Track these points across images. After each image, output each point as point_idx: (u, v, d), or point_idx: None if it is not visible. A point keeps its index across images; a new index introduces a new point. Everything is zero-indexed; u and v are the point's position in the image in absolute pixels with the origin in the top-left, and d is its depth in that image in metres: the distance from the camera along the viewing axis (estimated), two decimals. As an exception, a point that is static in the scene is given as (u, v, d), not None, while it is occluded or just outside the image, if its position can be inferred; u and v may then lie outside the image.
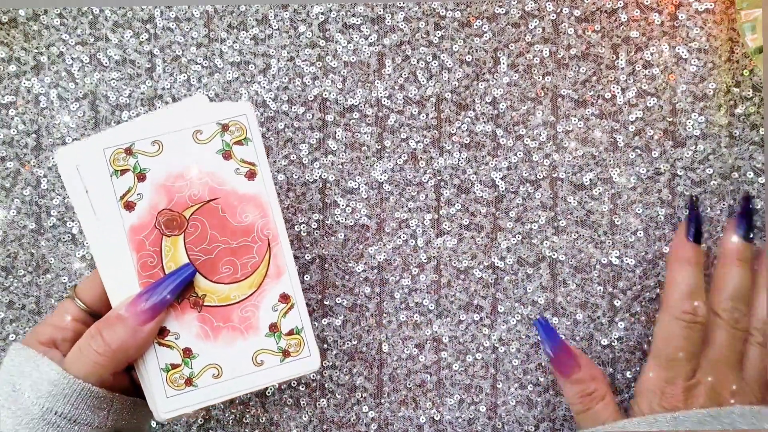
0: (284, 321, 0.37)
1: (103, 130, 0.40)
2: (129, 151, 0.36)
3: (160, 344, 0.36)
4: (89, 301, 0.38)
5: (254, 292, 0.37)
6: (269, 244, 0.37)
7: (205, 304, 0.37)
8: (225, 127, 0.38)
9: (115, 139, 0.36)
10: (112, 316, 0.35)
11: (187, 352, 0.36)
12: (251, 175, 0.37)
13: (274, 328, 0.37)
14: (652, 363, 0.42)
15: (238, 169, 0.38)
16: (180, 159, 0.37)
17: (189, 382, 0.36)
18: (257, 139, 0.38)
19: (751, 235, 0.44)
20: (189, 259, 0.36)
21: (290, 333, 0.37)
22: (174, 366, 0.36)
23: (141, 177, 0.36)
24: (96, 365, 0.35)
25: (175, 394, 0.36)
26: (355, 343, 0.49)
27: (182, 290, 0.36)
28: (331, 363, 0.49)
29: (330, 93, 0.49)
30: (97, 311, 0.38)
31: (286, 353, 0.37)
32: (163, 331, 0.36)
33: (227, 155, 0.38)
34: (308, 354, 0.38)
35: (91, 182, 0.36)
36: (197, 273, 0.36)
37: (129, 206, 0.36)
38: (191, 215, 0.37)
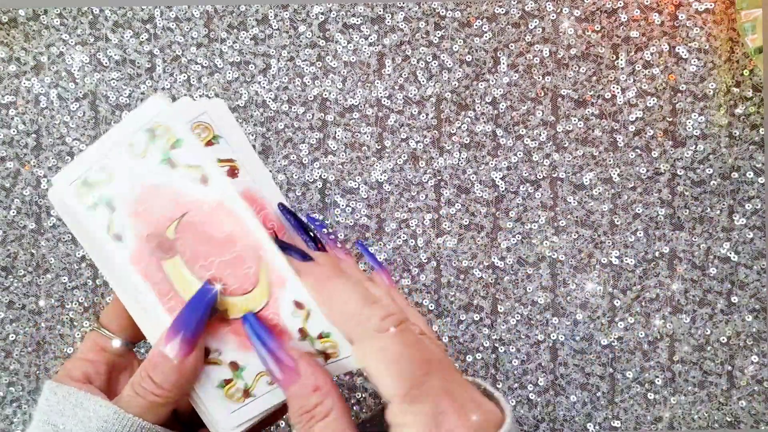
0: (309, 326, 0.34)
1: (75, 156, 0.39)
2: (87, 183, 0.34)
3: (207, 363, 0.34)
4: (116, 330, 0.37)
5: (268, 301, 0.34)
6: (258, 253, 0.34)
7: (231, 317, 0.35)
8: (151, 133, 0.34)
9: (74, 173, 0.34)
10: (154, 356, 0.33)
11: (234, 366, 0.35)
12: (204, 180, 0.34)
13: (303, 332, 0.35)
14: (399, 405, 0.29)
15: (188, 175, 0.34)
16: (132, 180, 0.34)
17: (247, 393, 0.35)
18: (189, 139, 0.34)
19: (316, 240, 0.36)
20: (195, 277, 0.34)
21: (320, 337, 0.35)
22: (227, 381, 0.35)
23: (110, 207, 0.34)
24: (153, 404, 0.33)
25: (237, 408, 0.35)
26: (355, 343, 0.49)
27: (210, 312, 0.34)
28: (331, 363, 0.49)
29: (330, 93, 0.49)
30: (126, 338, 0.37)
31: (326, 356, 0.35)
32: (206, 352, 0.35)
33: (171, 164, 0.34)
34: (348, 354, 0.35)
35: (78, 218, 0.34)
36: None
37: (117, 237, 0.34)
38: (174, 234, 0.34)
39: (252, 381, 0.35)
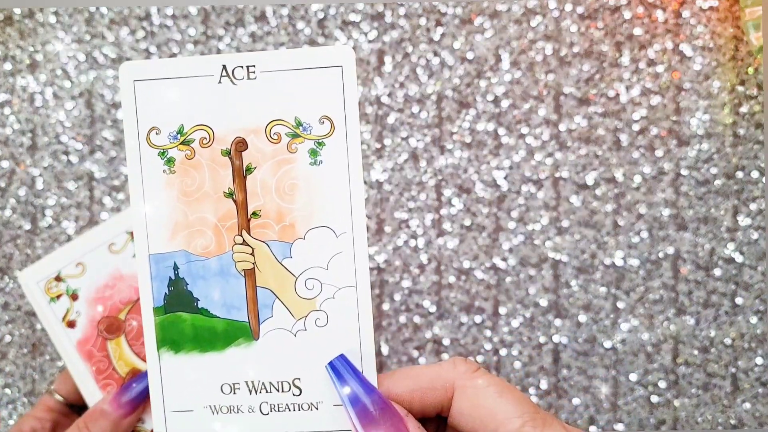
0: None
1: (37, 261, 0.44)
2: (58, 278, 0.39)
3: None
4: (65, 394, 0.42)
5: None
6: None
7: None
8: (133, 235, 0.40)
9: (43, 272, 0.40)
10: (96, 410, 0.38)
11: None
12: None
13: None
14: None
15: None
16: (103, 272, 0.40)
17: None
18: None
19: None
20: (134, 353, 0.40)
21: None
22: None
23: (74, 297, 0.40)
24: None
25: None
26: (355, 344, 0.49)
27: None
28: (330, 365, 0.49)
29: (329, 91, 0.49)
30: (73, 402, 0.42)
31: None
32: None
33: None
34: None
35: (41, 308, 0.40)
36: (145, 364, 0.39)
37: (71, 324, 0.40)
38: (126, 316, 0.40)
39: None
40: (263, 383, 0.29)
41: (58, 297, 0.40)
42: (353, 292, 0.28)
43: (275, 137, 0.28)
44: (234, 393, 0.29)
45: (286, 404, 0.29)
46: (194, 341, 0.30)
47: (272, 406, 0.29)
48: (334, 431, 0.29)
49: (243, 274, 0.29)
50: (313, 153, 0.28)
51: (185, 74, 0.28)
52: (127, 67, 0.29)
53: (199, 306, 0.29)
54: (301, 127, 0.28)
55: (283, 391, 0.29)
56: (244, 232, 0.29)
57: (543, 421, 0.26)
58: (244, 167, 0.29)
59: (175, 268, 0.29)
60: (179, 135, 0.29)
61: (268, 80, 0.28)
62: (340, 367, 0.28)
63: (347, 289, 0.28)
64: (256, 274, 0.29)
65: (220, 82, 0.28)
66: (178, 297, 0.30)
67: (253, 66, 0.28)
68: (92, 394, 0.40)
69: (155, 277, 0.30)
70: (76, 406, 0.42)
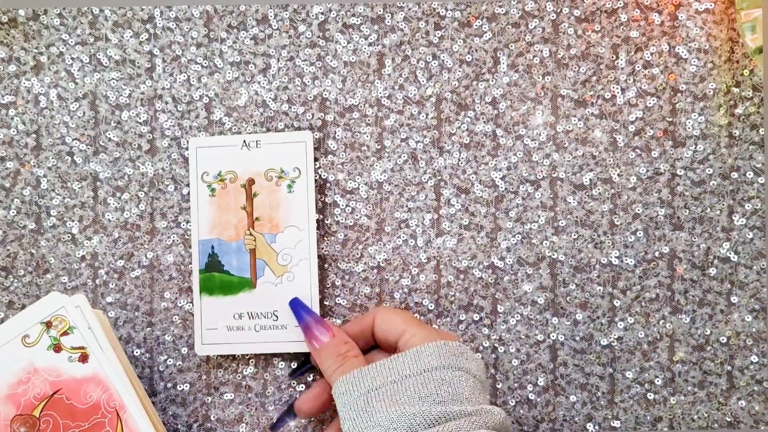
0: None
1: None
2: None
3: None
4: None
5: None
6: (118, 414, 0.41)
7: None
8: (48, 324, 0.42)
9: None
10: None
11: None
12: (84, 358, 0.42)
13: None
14: None
15: (70, 357, 0.42)
16: (15, 367, 0.41)
17: None
18: (81, 324, 0.42)
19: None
20: None
21: None
22: None
23: None
24: None
25: None
26: (355, 343, 0.49)
27: None
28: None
29: (330, 93, 0.49)
30: None
31: None
32: None
33: (57, 348, 0.42)
34: None
35: None
36: None
37: None
38: (41, 413, 0.41)
39: None
40: (257, 313, 0.47)
41: None
42: (308, 263, 0.47)
43: (269, 178, 0.47)
44: (240, 318, 0.47)
45: (270, 325, 0.47)
46: (220, 289, 0.47)
47: (261, 326, 0.47)
48: (296, 341, 0.46)
49: (249, 251, 0.47)
50: (289, 186, 0.47)
51: (223, 144, 0.48)
52: (194, 140, 0.48)
53: (224, 269, 0.47)
54: (283, 173, 0.47)
55: (267, 318, 0.47)
56: (251, 229, 0.47)
57: (419, 324, 0.43)
58: (252, 193, 0.47)
59: (212, 248, 0.47)
60: (218, 176, 0.48)
61: (268, 148, 0.47)
62: (296, 304, 0.46)
63: (305, 260, 0.47)
64: (256, 252, 0.47)
65: (241, 148, 0.47)
66: (212, 264, 0.47)
67: (260, 140, 0.47)
68: None
69: (201, 253, 0.47)
70: None
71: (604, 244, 0.48)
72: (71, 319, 0.42)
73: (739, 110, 0.48)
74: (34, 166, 0.49)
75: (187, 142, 0.49)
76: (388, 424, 0.37)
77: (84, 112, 0.49)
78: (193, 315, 0.48)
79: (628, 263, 0.48)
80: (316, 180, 0.49)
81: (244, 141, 0.47)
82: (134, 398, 0.41)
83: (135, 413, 0.41)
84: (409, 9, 0.49)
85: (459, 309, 0.49)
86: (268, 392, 0.49)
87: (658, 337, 0.48)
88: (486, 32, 0.48)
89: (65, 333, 0.42)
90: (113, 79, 0.49)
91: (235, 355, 0.48)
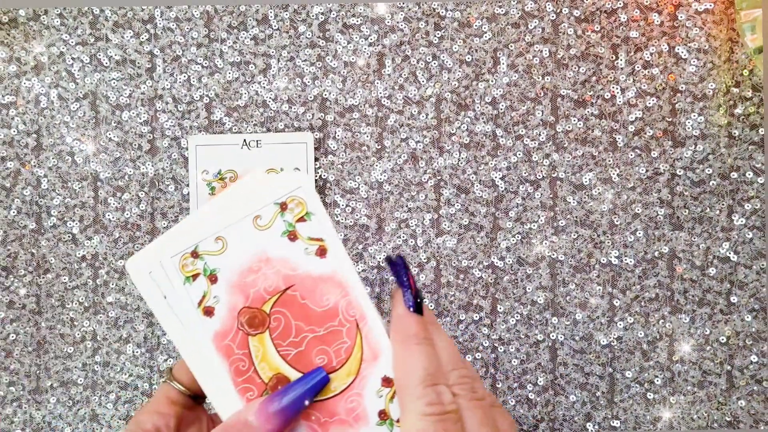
0: (392, 406, 0.34)
1: (164, 232, 0.39)
2: (195, 254, 0.34)
3: None
4: (188, 383, 0.36)
5: (354, 379, 0.34)
6: (357, 325, 0.34)
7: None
8: (283, 206, 0.35)
9: (180, 245, 0.34)
10: (240, 423, 0.32)
11: None
12: (322, 252, 0.34)
13: (383, 415, 0.34)
14: None
15: (307, 248, 0.35)
16: (246, 251, 0.34)
17: None
18: (320, 211, 0.35)
19: (420, 301, 0.35)
20: (279, 355, 0.34)
21: (398, 421, 0.34)
22: None
23: (213, 279, 0.34)
24: None
25: None
26: (355, 342, 0.49)
27: (315, 397, 0.33)
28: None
29: (330, 93, 0.49)
30: (196, 392, 0.37)
31: None
32: None
33: (292, 236, 0.35)
34: None
35: (166, 291, 0.34)
36: (293, 369, 0.34)
37: (208, 312, 0.34)
38: (271, 308, 0.34)
39: None
40: None
41: (194, 277, 0.34)
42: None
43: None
44: None
45: None
46: None
47: None
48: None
49: None
50: None
51: (223, 143, 0.48)
52: (193, 138, 0.48)
53: None
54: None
55: None
56: None
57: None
58: None
59: None
60: (218, 174, 0.48)
61: (268, 148, 0.48)
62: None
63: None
64: None
65: (242, 148, 0.48)
66: None
67: (260, 140, 0.48)
68: (227, 398, 0.33)
69: None
70: (201, 399, 0.37)
71: (604, 243, 0.48)
72: (309, 203, 0.35)
73: (738, 110, 0.48)
74: (35, 166, 0.49)
75: (187, 141, 0.49)
76: None
77: (84, 112, 0.49)
78: None
79: (627, 263, 0.48)
80: (316, 180, 0.49)
81: (245, 140, 0.47)
82: (374, 311, 0.34)
83: (376, 328, 0.34)
84: (409, 9, 0.49)
85: (459, 309, 0.49)
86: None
87: (658, 337, 0.48)
88: (486, 32, 0.49)
89: (302, 219, 0.35)
90: (114, 79, 0.49)
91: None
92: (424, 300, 0.39)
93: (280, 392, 0.32)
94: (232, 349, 0.34)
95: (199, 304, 0.34)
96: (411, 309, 0.34)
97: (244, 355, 0.34)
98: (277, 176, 0.35)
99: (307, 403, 0.32)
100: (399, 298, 0.34)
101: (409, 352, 0.33)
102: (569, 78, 0.48)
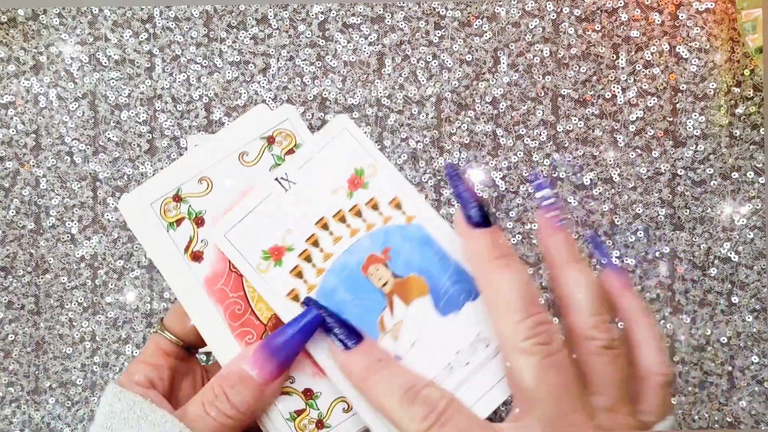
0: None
1: (147, 179, 0.37)
2: (177, 198, 0.32)
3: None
4: (180, 333, 0.35)
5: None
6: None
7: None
8: (270, 140, 0.33)
9: (159, 189, 0.32)
10: (234, 374, 0.31)
11: (308, 394, 0.32)
12: None
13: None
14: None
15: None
16: (233, 190, 0.32)
17: (320, 424, 0.32)
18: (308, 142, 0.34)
19: (487, 213, 0.32)
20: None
21: None
22: (299, 412, 0.32)
23: (199, 221, 0.32)
24: (223, 426, 0.31)
25: None
26: (355, 343, 0.49)
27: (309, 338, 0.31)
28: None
29: (330, 93, 0.49)
30: (189, 343, 0.35)
31: None
32: None
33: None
34: None
35: (155, 236, 0.32)
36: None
37: (197, 257, 0.32)
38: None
39: (327, 410, 0.32)
40: None
41: (178, 222, 0.32)
42: None
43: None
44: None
45: None
46: None
47: None
48: None
49: None
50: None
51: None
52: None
53: None
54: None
55: None
56: None
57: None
58: None
59: None
60: None
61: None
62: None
63: None
64: None
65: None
66: None
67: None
68: (225, 345, 0.31)
69: None
70: (194, 349, 0.35)
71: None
72: (298, 135, 0.33)
73: (739, 110, 0.48)
74: (34, 166, 0.49)
75: (186, 141, 0.48)
76: None
77: (83, 112, 0.49)
78: None
79: (628, 263, 0.48)
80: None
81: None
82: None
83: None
84: (409, 8, 0.49)
85: (459, 309, 0.49)
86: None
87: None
88: (486, 32, 0.48)
89: (290, 151, 0.33)
90: (113, 78, 0.49)
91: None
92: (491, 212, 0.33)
93: (272, 336, 0.31)
94: (225, 293, 0.32)
95: (186, 249, 0.32)
96: (477, 224, 0.29)
97: (240, 297, 0.32)
98: (261, 110, 0.33)
99: (296, 349, 0.30)
100: (460, 218, 0.30)
101: (494, 276, 0.28)
102: (570, 78, 0.48)
